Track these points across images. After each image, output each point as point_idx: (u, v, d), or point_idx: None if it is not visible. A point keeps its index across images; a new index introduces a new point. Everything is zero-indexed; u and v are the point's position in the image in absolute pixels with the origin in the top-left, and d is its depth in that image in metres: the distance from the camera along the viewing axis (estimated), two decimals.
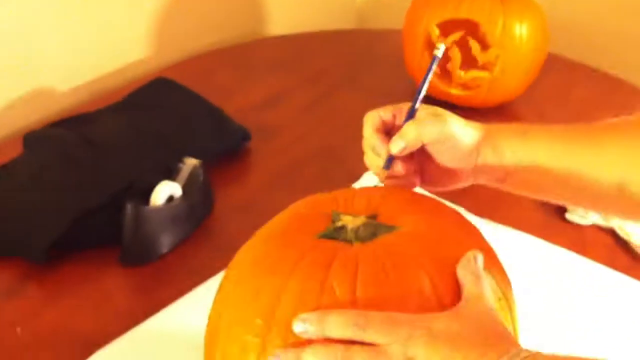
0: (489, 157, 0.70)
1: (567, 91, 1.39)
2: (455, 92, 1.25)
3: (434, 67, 0.73)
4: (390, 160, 0.70)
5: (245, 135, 1.17)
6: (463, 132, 0.69)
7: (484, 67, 1.22)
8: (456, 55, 1.22)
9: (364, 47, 1.55)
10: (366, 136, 0.72)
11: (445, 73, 1.24)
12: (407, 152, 0.69)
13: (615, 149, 0.70)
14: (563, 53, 1.47)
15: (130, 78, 1.36)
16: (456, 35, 1.21)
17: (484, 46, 1.20)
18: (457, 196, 0.98)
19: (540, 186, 0.72)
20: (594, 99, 1.37)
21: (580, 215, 1.01)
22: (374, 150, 0.72)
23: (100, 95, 1.30)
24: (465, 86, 1.24)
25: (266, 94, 1.34)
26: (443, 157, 0.70)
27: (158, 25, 1.40)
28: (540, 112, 1.30)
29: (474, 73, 1.23)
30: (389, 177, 0.71)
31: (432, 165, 0.72)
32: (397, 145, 0.69)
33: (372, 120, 0.72)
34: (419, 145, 0.69)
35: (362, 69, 1.45)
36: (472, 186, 0.79)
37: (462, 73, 1.23)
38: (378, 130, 0.72)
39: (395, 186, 0.71)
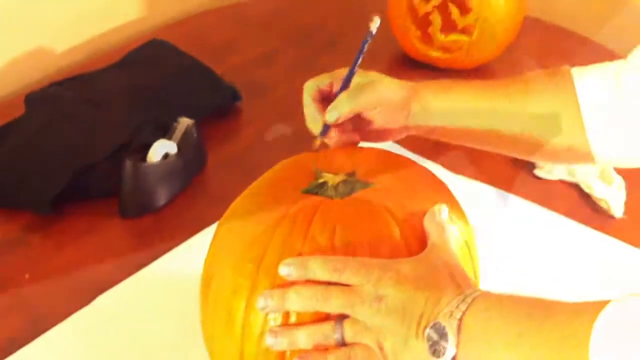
0: (417, 113, 0.77)
1: (543, 53, 1.41)
2: (435, 54, 1.30)
3: (369, 40, 0.78)
4: (327, 128, 0.76)
5: (235, 96, 1.20)
6: (393, 95, 0.76)
7: (463, 31, 1.26)
8: (437, 19, 1.26)
9: (351, 7, 1.57)
10: (305, 104, 0.78)
11: (426, 36, 1.29)
12: (341, 121, 0.75)
13: (526, 100, 0.79)
14: (540, 16, 1.51)
15: (126, 38, 1.39)
16: (437, 1, 1.25)
17: (464, 11, 1.25)
18: (433, 154, 1.05)
19: (464, 136, 0.80)
20: (570, 61, 1.40)
21: (547, 171, 1.06)
22: (311, 118, 0.77)
23: (97, 56, 1.33)
24: (445, 49, 1.29)
25: (257, 53, 1.37)
26: (376, 120, 0.77)
27: None
28: (517, 74, 1.34)
29: (453, 36, 1.27)
30: (325, 143, 0.77)
31: (368, 124, 0.78)
32: (332, 116, 0.75)
33: (309, 89, 0.78)
34: (352, 115, 0.75)
35: (348, 28, 1.48)
36: (448, 145, 0.85)
37: (442, 36, 1.28)
38: (315, 99, 0.77)
39: (344, 143, 0.77)
